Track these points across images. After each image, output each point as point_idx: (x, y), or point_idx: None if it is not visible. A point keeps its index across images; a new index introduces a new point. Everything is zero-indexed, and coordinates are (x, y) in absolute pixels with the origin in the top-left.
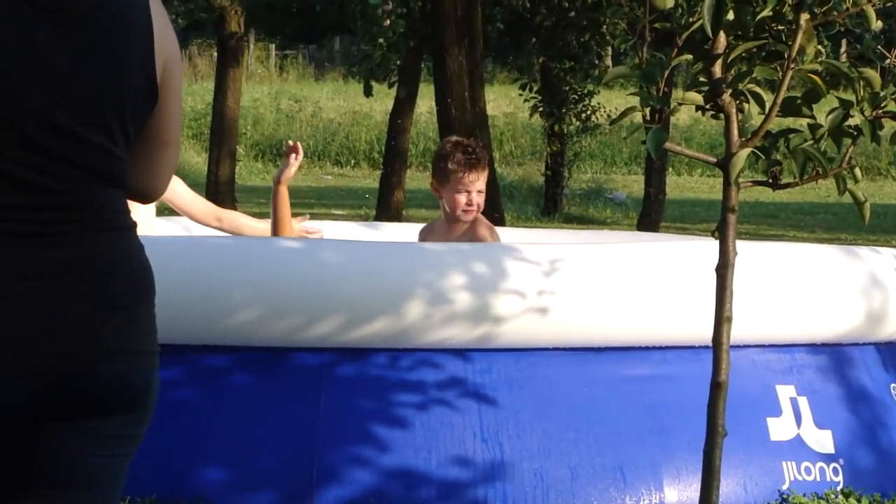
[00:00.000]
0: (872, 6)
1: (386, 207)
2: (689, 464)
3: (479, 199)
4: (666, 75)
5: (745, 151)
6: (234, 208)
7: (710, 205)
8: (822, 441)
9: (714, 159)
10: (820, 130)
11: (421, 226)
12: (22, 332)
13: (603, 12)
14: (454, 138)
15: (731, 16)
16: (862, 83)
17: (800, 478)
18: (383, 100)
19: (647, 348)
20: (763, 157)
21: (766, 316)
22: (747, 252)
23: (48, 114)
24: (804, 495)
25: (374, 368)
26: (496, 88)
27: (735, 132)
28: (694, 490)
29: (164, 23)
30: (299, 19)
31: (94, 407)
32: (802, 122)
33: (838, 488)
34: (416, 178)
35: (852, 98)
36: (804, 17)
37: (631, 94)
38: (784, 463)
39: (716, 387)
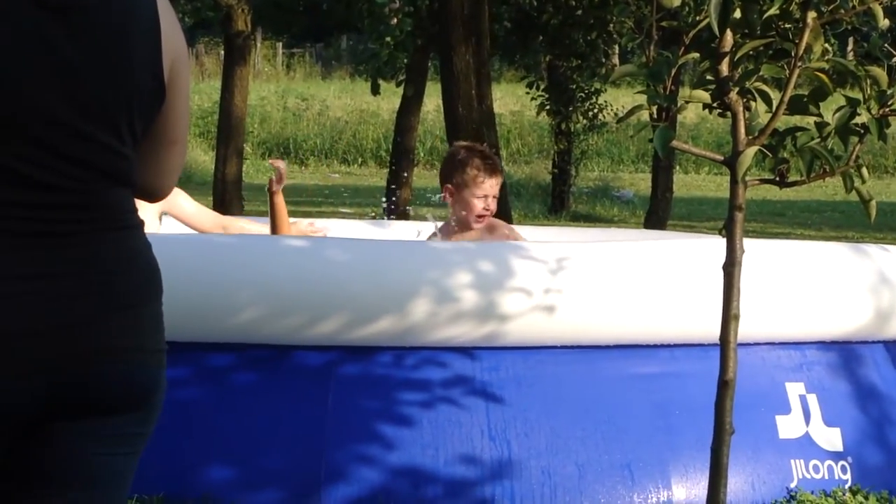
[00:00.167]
0: (880, 4)
1: (393, 206)
2: (696, 461)
3: (494, 205)
4: (673, 73)
5: (753, 149)
6: (241, 206)
7: (717, 203)
8: (831, 439)
9: (721, 157)
10: (827, 128)
11: (427, 224)
12: (29, 332)
13: (610, 10)
14: (466, 143)
15: (738, 14)
16: (869, 81)
17: (808, 476)
18: (390, 98)
19: (654, 346)
20: (770, 156)
21: (775, 313)
22: (754, 250)
23: (56, 112)
24: (812, 493)
25: (380, 367)
26: (503, 87)
27: (742, 130)
28: (702, 488)
29: (172, 21)
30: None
31: (101, 406)
32: (809, 121)
33: (846, 486)
34: (424, 177)
35: (859, 96)
36: (811, 15)
37: (638, 92)
38: (792, 461)
39: (723, 385)
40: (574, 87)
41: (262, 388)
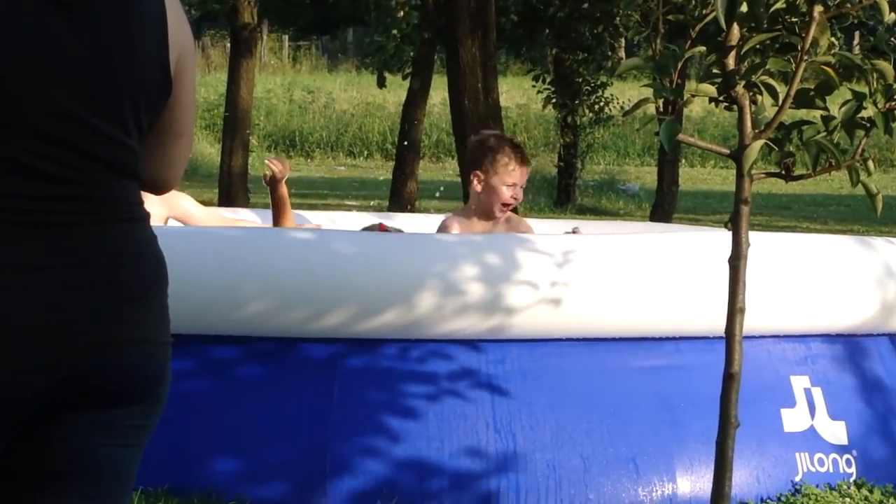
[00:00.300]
0: None
1: (398, 198)
2: (701, 455)
3: (520, 195)
4: (679, 67)
5: (759, 143)
6: (247, 199)
7: (722, 196)
8: (836, 432)
9: (727, 151)
10: (833, 122)
11: (435, 217)
12: (37, 325)
13: (616, 4)
14: (494, 132)
15: (744, 8)
16: (875, 75)
17: (813, 469)
18: (396, 91)
19: (660, 339)
20: (776, 149)
21: (780, 307)
22: (760, 243)
23: (64, 105)
24: (817, 486)
25: (386, 359)
26: (509, 80)
27: (748, 124)
28: (707, 481)
29: (178, 14)
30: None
31: (107, 398)
32: (815, 114)
33: (851, 479)
34: (429, 170)
35: (865, 90)
36: (817, 8)
37: (644, 85)
38: (797, 454)
39: (728, 378)
40: (580, 80)
41: (267, 381)
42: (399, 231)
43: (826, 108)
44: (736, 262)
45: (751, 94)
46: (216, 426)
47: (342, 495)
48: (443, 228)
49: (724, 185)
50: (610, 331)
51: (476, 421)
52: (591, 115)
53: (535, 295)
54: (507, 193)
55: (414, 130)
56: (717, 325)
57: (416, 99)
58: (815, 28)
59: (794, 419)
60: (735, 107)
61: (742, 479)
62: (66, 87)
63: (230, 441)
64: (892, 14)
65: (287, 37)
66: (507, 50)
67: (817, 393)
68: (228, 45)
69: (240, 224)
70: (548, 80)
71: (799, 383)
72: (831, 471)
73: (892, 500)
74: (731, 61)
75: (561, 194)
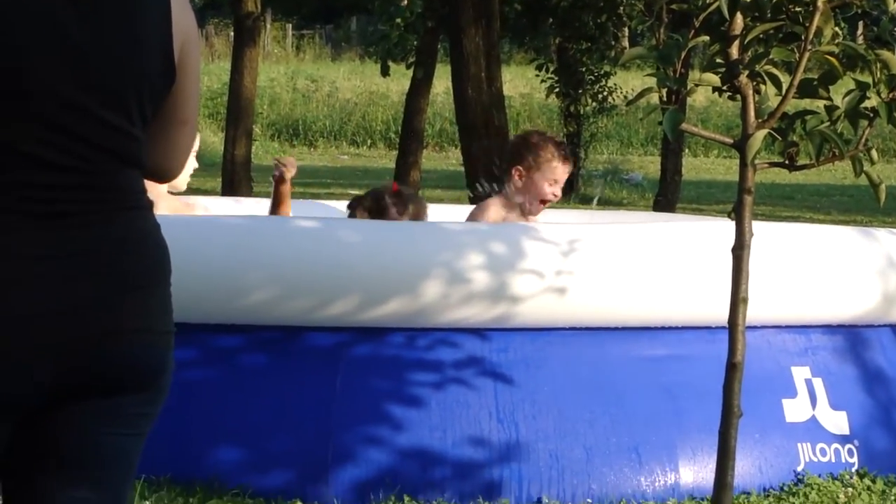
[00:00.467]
0: None
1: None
2: (704, 444)
3: (560, 193)
4: (683, 56)
5: (762, 133)
6: (251, 188)
7: (726, 186)
8: (838, 422)
9: (730, 140)
10: (836, 112)
11: (438, 206)
12: (42, 313)
13: None
14: (537, 129)
15: None
16: (878, 65)
17: (815, 459)
18: (400, 80)
19: (663, 329)
20: (779, 139)
21: (782, 297)
22: (763, 233)
23: (70, 95)
24: (820, 476)
25: (390, 348)
26: (513, 69)
27: (752, 114)
28: (709, 471)
29: (182, 3)
30: None
31: (110, 387)
32: (819, 104)
33: (853, 469)
34: (433, 159)
35: (869, 80)
36: None
37: (648, 75)
38: (799, 444)
39: (731, 367)
40: (584, 69)
41: (270, 370)
42: (412, 192)
43: (829, 98)
44: (739, 251)
45: (754, 83)
46: (219, 415)
47: (345, 484)
48: (482, 211)
49: (727, 175)
50: (613, 320)
51: (479, 410)
52: (594, 104)
53: (539, 284)
54: (549, 191)
55: (417, 119)
56: (720, 314)
57: (420, 88)
58: (818, 18)
59: (795, 409)
60: (738, 96)
61: (744, 469)
62: (73, 77)
63: (233, 430)
64: None
65: (290, 25)
66: (510, 39)
67: (818, 383)
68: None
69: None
70: (551, 69)
71: (800, 374)
72: (833, 461)
73: (894, 489)
74: (734, 51)
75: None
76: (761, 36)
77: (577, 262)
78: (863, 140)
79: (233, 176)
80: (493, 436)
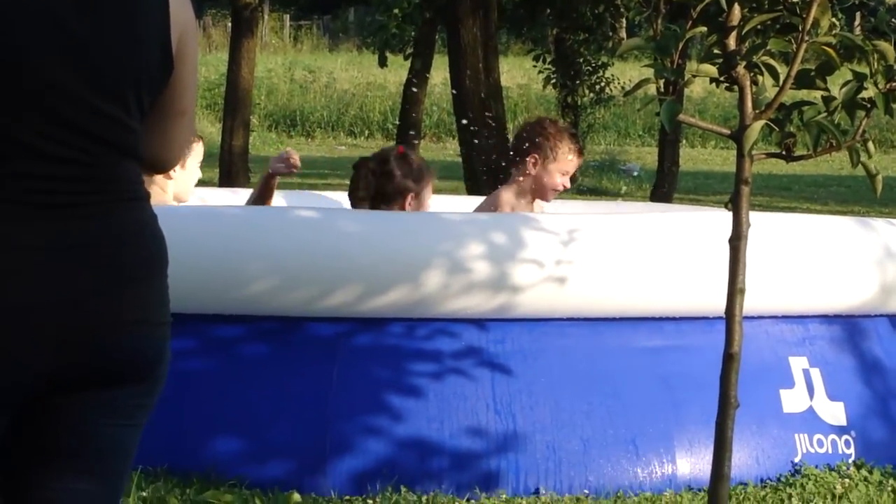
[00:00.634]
0: None
1: None
2: (701, 435)
3: (568, 184)
4: (680, 47)
5: (759, 124)
6: (248, 178)
7: (723, 177)
8: (835, 413)
9: (728, 131)
10: (833, 103)
11: (436, 197)
12: (41, 304)
13: None
14: (551, 118)
15: None
16: (876, 56)
17: (812, 450)
18: (397, 71)
19: (660, 319)
20: (777, 130)
21: (780, 287)
22: (760, 224)
23: (67, 87)
24: (816, 467)
25: (389, 338)
26: (510, 60)
27: (749, 104)
28: (706, 462)
29: None
30: None
31: (107, 377)
32: (816, 95)
33: (850, 460)
34: (430, 149)
35: (866, 71)
36: None
37: (645, 65)
38: (796, 435)
39: (728, 358)
40: (581, 60)
41: (270, 361)
42: (418, 157)
43: (827, 89)
44: (736, 242)
45: (752, 74)
46: (217, 406)
47: (342, 475)
48: (495, 202)
49: (724, 166)
50: (611, 310)
51: (476, 401)
52: (591, 95)
53: (538, 274)
54: (559, 181)
55: (415, 110)
56: (718, 305)
57: (418, 78)
58: (815, 9)
59: (793, 400)
60: (736, 87)
61: (741, 459)
62: (73, 70)
63: (231, 421)
64: None
65: (288, 16)
66: (508, 30)
67: (816, 374)
68: (230, 24)
69: None
70: (548, 60)
71: (798, 364)
72: (830, 452)
73: (891, 480)
74: (732, 42)
75: None
76: (759, 27)
77: (575, 253)
78: (860, 131)
79: (230, 167)
80: (491, 427)
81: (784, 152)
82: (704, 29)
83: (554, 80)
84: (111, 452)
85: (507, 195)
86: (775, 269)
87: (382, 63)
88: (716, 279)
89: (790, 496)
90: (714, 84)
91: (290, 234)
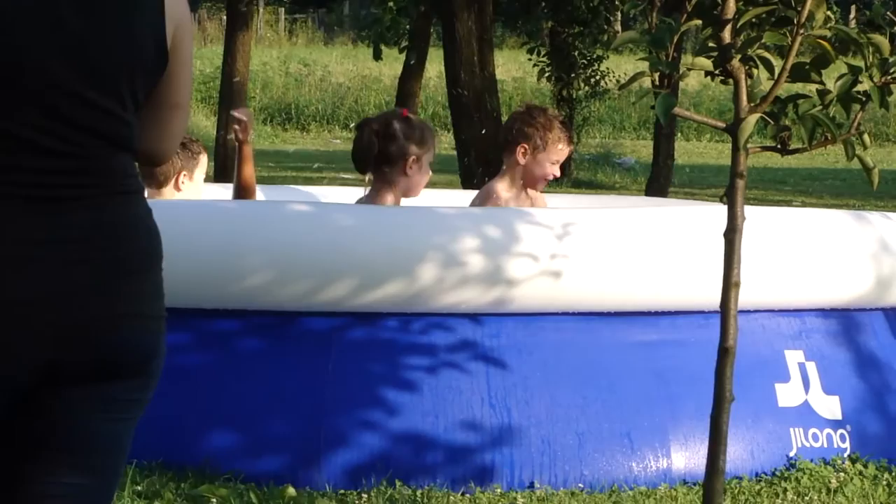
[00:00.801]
0: None
1: None
2: (696, 429)
3: (558, 172)
4: (675, 40)
5: (754, 117)
6: None
7: (718, 170)
8: (830, 407)
9: (723, 124)
10: (829, 96)
11: (431, 191)
12: (38, 298)
13: None
14: (541, 106)
15: None
16: (871, 49)
17: (807, 444)
18: (392, 64)
19: (655, 313)
20: (772, 123)
21: (775, 281)
22: (755, 217)
23: (62, 80)
24: (812, 461)
25: (384, 332)
26: (505, 53)
27: (744, 98)
28: (701, 456)
29: None
30: None
31: (102, 372)
32: (811, 88)
33: (845, 454)
34: None
35: (861, 64)
36: None
37: (640, 59)
38: (792, 429)
39: (723, 352)
40: (576, 53)
41: (265, 354)
42: (422, 121)
43: (822, 82)
44: (731, 235)
45: (747, 67)
46: (212, 400)
47: (336, 469)
48: (488, 194)
49: (719, 159)
50: (606, 305)
51: (471, 395)
52: (586, 88)
53: (533, 268)
54: (549, 170)
55: (410, 104)
56: (713, 299)
57: (412, 72)
58: (811, 2)
59: (788, 394)
60: (731, 80)
61: (736, 454)
62: (69, 64)
63: (226, 415)
64: None
65: (283, 10)
66: (503, 23)
67: (811, 368)
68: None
69: None
70: (543, 53)
71: (793, 358)
72: (826, 446)
73: (886, 474)
74: (727, 35)
75: None
76: (754, 20)
77: (570, 247)
78: (855, 124)
79: (225, 160)
80: (486, 421)
81: (779, 146)
82: (699, 22)
83: (549, 74)
84: (106, 447)
85: (499, 186)
86: (770, 262)
87: (377, 56)
88: (711, 273)
89: (785, 490)
90: (709, 77)
91: (285, 229)
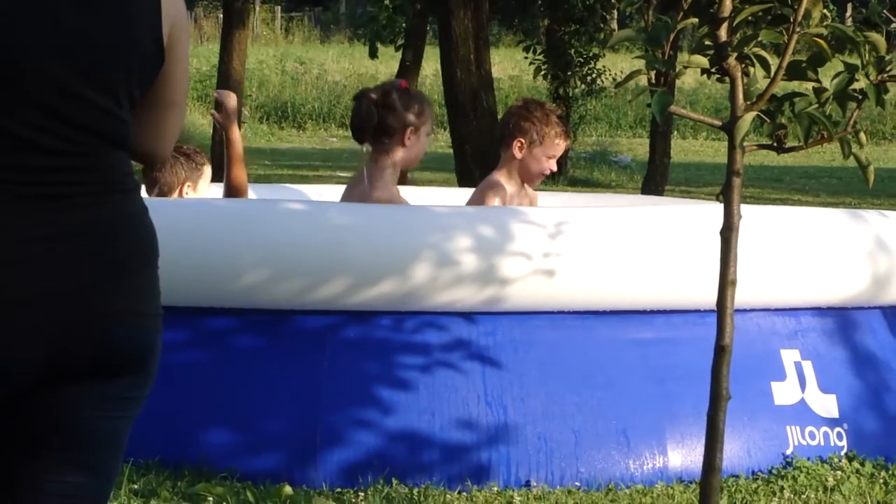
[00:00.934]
0: None
1: None
2: (693, 428)
3: (555, 167)
4: (671, 38)
5: (751, 115)
6: None
7: (714, 168)
8: (827, 405)
9: (719, 123)
10: (825, 94)
11: (427, 189)
12: (35, 296)
13: None
14: (538, 101)
15: None
16: (867, 47)
17: (804, 442)
18: (388, 62)
19: (651, 312)
20: (768, 121)
21: (771, 279)
22: (752, 215)
23: (59, 78)
24: (808, 459)
25: (379, 330)
26: (501, 51)
27: (740, 96)
28: (698, 454)
29: None
30: None
31: (99, 370)
32: (808, 86)
33: (842, 453)
34: None
35: (857, 62)
36: None
37: (636, 57)
38: (788, 427)
39: (720, 350)
40: (572, 51)
41: (260, 352)
42: (420, 93)
43: (818, 80)
44: (727, 234)
45: (743, 65)
46: (209, 398)
47: (333, 467)
48: (490, 185)
49: (715, 158)
50: (602, 303)
51: (467, 393)
52: (583, 86)
53: (527, 267)
54: (546, 164)
55: None
56: (709, 297)
57: (409, 70)
58: (807, 0)
59: (784, 392)
60: (727, 79)
61: (733, 452)
62: (66, 62)
63: (222, 412)
64: None
65: (280, 8)
66: (499, 21)
67: (808, 366)
68: (221, 15)
69: None
70: (539, 51)
71: (789, 356)
72: (822, 444)
73: (882, 472)
74: (723, 33)
75: None
76: (750, 18)
77: (565, 245)
78: (851, 122)
79: (221, 158)
80: (482, 419)
81: (775, 144)
82: (696, 20)
83: (545, 72)
84: (102, 445)
85: (500, 182)
86: (767, 261)
87: (373, 55)
88: (707, 271)
89: (782, 488)
90: (705, 75)
91: (280, 227)
